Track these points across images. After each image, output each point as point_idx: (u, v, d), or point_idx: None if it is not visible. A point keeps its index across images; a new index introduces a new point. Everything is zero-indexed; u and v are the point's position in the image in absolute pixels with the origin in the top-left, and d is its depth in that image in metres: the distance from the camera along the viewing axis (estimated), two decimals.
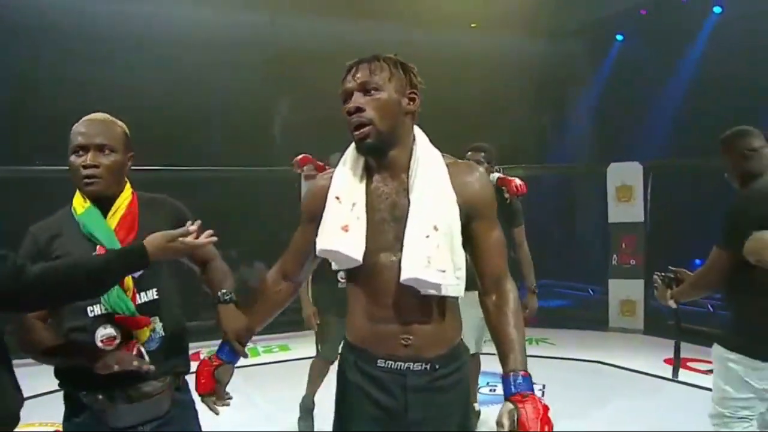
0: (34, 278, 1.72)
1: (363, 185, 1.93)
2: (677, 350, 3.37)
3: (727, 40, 7.63)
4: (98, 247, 2.02)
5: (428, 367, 1.90)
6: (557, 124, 10.38)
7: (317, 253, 1.94)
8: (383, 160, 1.93)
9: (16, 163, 7.14)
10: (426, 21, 8.74)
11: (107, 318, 1.98)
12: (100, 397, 1.98)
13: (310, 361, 4.54)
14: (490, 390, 5.30)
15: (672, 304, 3.11)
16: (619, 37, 9.64)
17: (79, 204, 2.07)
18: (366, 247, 1.88)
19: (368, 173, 1.95)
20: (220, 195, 7.54)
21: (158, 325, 2.07)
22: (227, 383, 2.11)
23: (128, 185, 2.17)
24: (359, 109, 1.88)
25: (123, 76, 7.40)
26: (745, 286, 2.80)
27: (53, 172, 7.28)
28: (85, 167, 2.02)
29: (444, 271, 1.84)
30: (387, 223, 1.90)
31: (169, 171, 6.85)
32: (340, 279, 4.10)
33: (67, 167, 2.08)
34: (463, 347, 2.07)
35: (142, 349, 2.01)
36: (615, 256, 7.89)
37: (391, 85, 1.90)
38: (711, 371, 5.50)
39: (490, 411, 4.92)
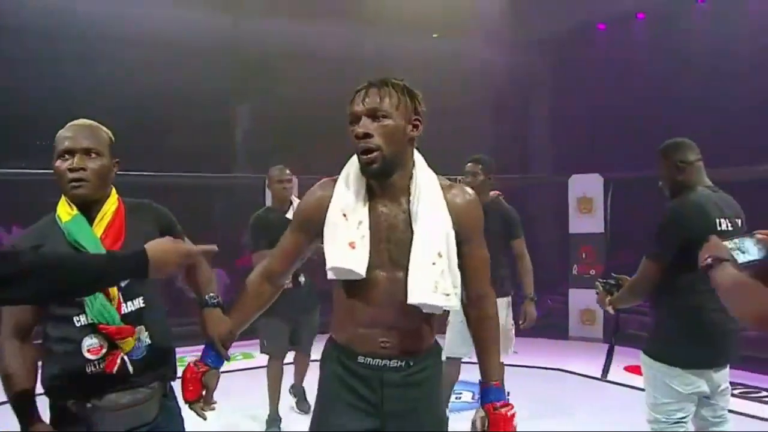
0: (30, 264, 1.69)
1: (367, 205, 2.04)
2: (610, 352, 3.47)
3: (685, 55, 7.82)
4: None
5: (403, 364, 2.05)
6: (519, 135, 10.51)
7: (327, 267, 2.02)
8: (385, 183, 2.04)
9: None
10: (388, 27, 8.82)
11: (93, 328, 1.98)
12: (89, 405, 1.98)
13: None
14: (455, 397, 5.35)
15: (610, 309, 3.23)
16: (579, 50, 9.81)
17: (65, 211, 2.05)
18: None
19: (369, 193, 2.06)
20: (179, 202, 7.46)
21: (144, 334, 2.07)
22: (215, 388, 2.15)
23: (114, 191, 2.17)
24: (367, 135, 1.98)
25: (83, 77, 7.33)
26: (667, 296, 2.93)
27: (22, 175, 7.23)
28: (71, 170, 2.01)
29: (448, 295, 2.00)
30: (384, 243, 2.02)
31: (126, 176, 6.74)
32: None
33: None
34: (436, 349, 2.21)
35: (126, 359, 2.02)
36: (575, 266, 8.03)
37: (399, 113, 2.00)
38: None
39: (453, 417, 4.98)
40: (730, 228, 2.89)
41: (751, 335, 5.81)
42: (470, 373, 5.11)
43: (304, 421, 4.76)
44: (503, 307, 4.71)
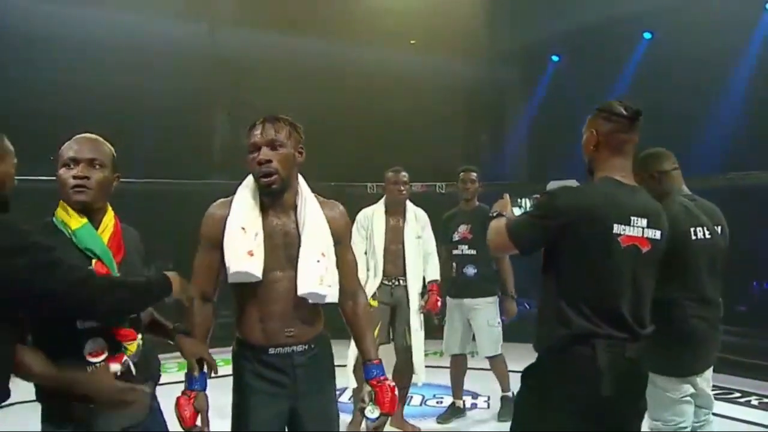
0: (102, 287, 1.90)
1: (260, 218, 2.44)
2: None
3: (656, 64, 7.97)
4: (94, 261, 2.10)
5: (306, 347, 2.47)
6: (495, 143, 10.60)
7: (229, 272, 2.39)
8: (277, 200, 2.46)
9: None
10: (366, 36, 8.88)
11: (96, 331, 2.07)
12: (91, 405, 2.01)
13: None
14: (437, 402, 5.41)
15: None
16: (554, 58, 9.95)
17: (75, 219, 2.12)
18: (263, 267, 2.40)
19: (262, 209, 2.46)
20: (147, 207, 7.41)
21: (140, 339, 2.19)
22: (207, 409, 2.38)
23: (109, 206, 2.25)
24: (268, 161, 2.38)
25: (57, 81, 7.29)
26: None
27: None
28: (75, 177, 2.12)
29: (330, 287, 2.45)
30: (279, 248, 2.44)
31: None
32: None
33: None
34: (325, 334, 2.59)
35: (130, 362, 2.13)
36: None
37: (290, 142, 2.43)
38: None
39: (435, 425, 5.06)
40: (707, 236, 2.92)
41: (727, 340, 5.94)
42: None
43: None
44: (492, 305, 4.90)
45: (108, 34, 7.59)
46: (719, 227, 3.02)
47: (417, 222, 4.88)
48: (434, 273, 4.91)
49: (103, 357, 2.06)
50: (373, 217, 4.74)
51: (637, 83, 8.17)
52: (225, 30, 8.76)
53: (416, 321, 4.76)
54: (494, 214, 2.67)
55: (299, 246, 2.43)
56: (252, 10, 8.55)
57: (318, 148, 8.66)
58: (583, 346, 2.25)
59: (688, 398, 2.97)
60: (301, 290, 2.40)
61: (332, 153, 7.92)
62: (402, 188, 4.77)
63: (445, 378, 5.27)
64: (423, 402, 5.54)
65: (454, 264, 5.10)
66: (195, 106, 8.53)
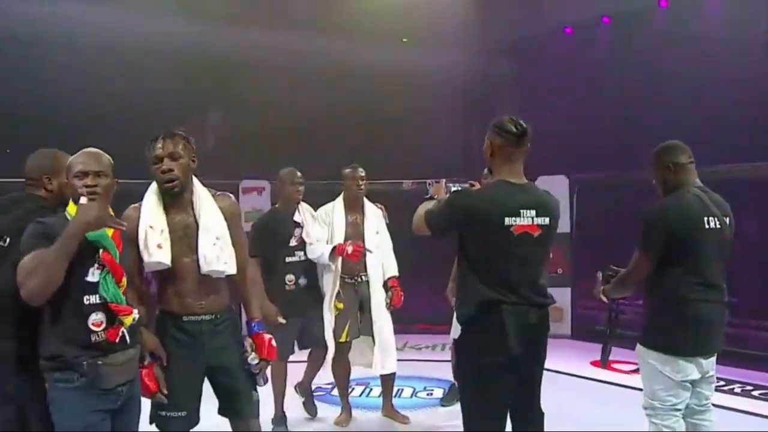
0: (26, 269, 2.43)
1: (164, 216, 3.00)
2: (606, 344, 3.69)
3: (649, 60, 8.02)
4: (101, 251, 2.60)
5: (213, 317, 3.06)
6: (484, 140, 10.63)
7: (145, 263, 2.94)
8: (177, 199, 3.03)
9: None
10: (357, 34, 8.87)
11: (99, 306, 2.56)
12: (100, 362, 2.55)
13: None
14: (427, 394, 5.49)
15: (603, 298, 3.44)
16: (546, 55, 9.99)
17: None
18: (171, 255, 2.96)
19: (165, 208, 3.02)
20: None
21: (135, 314, 2.66)
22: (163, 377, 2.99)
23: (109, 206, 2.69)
24: (171, 170, 2.95)
25: (47, 81, 7.28)
26: (657, 288, 3.19)
27: None
28: (87, 186, 2.61)
29: (227, 263, 3.04)
30: (182, 238, 3.00)
31: None
32: (287, 282, 4.66)
33: None
34: (230, 308, 3.18)
35: (125, 332, 2.61)
36: None
37: (186, 153, 3.00)
38: (634, 371, 5.87)
39: (426, 413, 5.14)
40: (717, 226, 3.13)
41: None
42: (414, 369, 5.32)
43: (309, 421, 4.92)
44: None
45: (100, 33, 7.57)
46: (727, 218, 3.22)
47: (376, 218, 4.98)
48: (393, 269, 5.02)
49: (102, 327, 2.56)
50: (333, 213, 4.83)
51: (629, 79, 8.21)
52: (220, 29, 8.74)
53: (382, 314, 4.86)
54: (427, 197, 3.22)
55: (197, 235, 3.01)
56: (247, 9, 8.56)
57: (312, 146, 8.81)
58: (493, 313, 2.76)
59: (688, 384, 3.15)
60: (204, 269, 3.00)
61: (326, 151, 7.98)
62: (360, 183, 4.86)
63: (434, 371, 5.35)
64: (413, 394, 5.62)
65: None
66: (190, 105, 8.55)
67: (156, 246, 2.94)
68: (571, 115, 8.44)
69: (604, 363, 3.68)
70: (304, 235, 4.76)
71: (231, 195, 3.29)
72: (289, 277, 4.69)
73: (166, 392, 2.93)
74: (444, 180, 3.28)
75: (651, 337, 3.21)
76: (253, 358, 3.15)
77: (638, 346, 3.26)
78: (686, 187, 3.20)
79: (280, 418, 4.76)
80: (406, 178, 8.31)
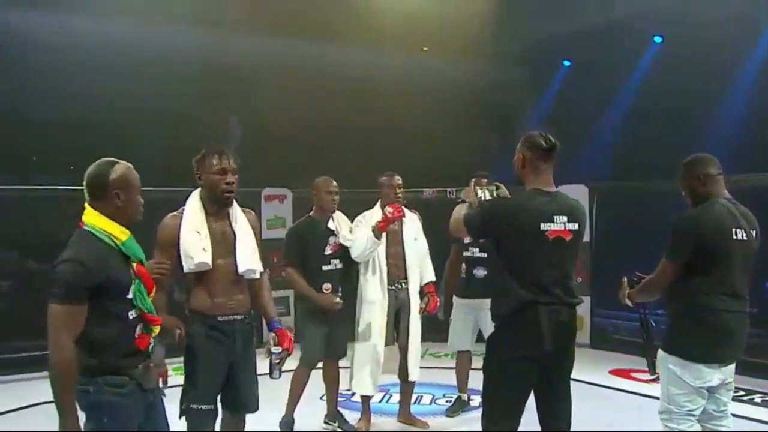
0: None
1: (206, 224, 3.38)
2: (646, 350, 3.75)
3: (667, 68, 8.02)
4: (136, 264, 2.70)
5: (243, 317, 3.44)
6: (505, 147, 10.62)
7: (191, 263, 3.31)
8: (221, 209, 3.45)
9: None
10: (376, 43, 8.95)
11: (139, 318, 2.70)
12: (140, 366, 2.69)
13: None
14: (447, 401, 5.51)
15: (628, 302, 3.51)
16: (565, 63, 10.01)
17: (122, 233, 2.64)
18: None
19: (206, 216, 3.41)
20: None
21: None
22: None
23: None
24: (232, 183, 3.39)
25: (60, 89, 7.37)
26: (679, 295, 3.25)
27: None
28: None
29: (258, 265, 3.49)
30: (219, 243, 3.38)
31: None
32: (324, 290, 4.68)
33: None
34: (250, 310, 3.53)
35: (152, 340, 2.78)
36: None
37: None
38: (653, 380, 5.84)
39: (445, 419, 5.17)
40: (744, 238, 3.20)
41: None
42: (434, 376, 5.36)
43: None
44: None
45: (115, 43, 7.66)
46: (754, 231, 3.28)
47: (413, 223, 5.00)
48: (430, 275, 5.05)
49: (140, 335, 2.70)
50: (372, 221, 4.76)
51: (648, 86, 8.21)
52: (241, 38, 8.82)
53: (416, 322, 4.90)
54: (460, 201, 3.42)
55: (235, 241, 3.42)
56: (259, 16, 8.61)
57: (333, 154, 8.84)
58: (528, 311, 2.94)
59: (705, 390, 3.21)
60: (241, 269, 3.40)
61: (341, 159, 8.04)
62: (398, 191, 4.87)
63: (453, 378, 5.39)
64: (433, 401, 5.65)
65: (464, 265, 5.22)
66: (203, 112, 8.63)
67: (201, 249, 3.33)
68: (589, 123, 8.46)
69: (653, 372, 3.69)
70: (341, 240, 4.77)
71: (252, 211, 3.74)
72: (326, 286, 4.70)
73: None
74: (473, 182, 3.54)
75: (672, 343, 3.27)
76: (276, 349, 3.52)
77: (659, 351, 3.32)
78: (715, 197, 3.25)
79: (287, 422, 4.80)
80: (427, 186, 8.35)
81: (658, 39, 8.67)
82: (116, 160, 2.69)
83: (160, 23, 8.05)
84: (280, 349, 3.52)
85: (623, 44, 8.77)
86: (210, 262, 3.31)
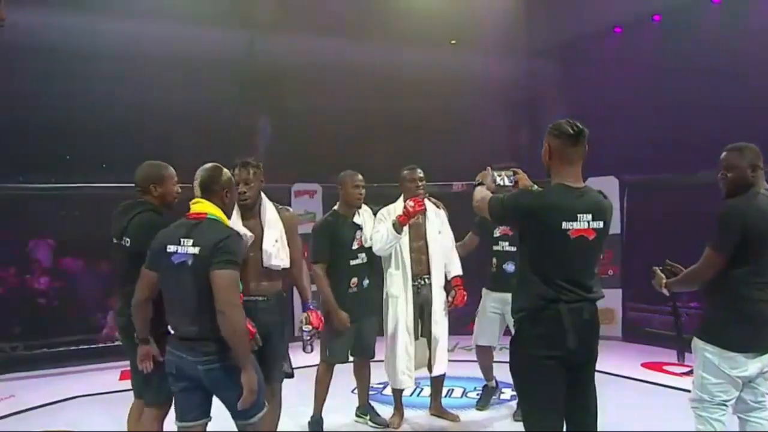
0: None
1: (240, 221, 3.84)
2: (678, 338, 3.75)
3: (701, 59, 7.91)
4: None
5: (266, 298, 3.85)
6: (535, 141, 10.58)
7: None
8: (249, 210, 3.93)
9: None
10: (404, 39, 8.95)
11: None
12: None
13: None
14: (477, 394, 5.53)
15: (665, 291, 3.50)
16: (594, 55, 9.92)
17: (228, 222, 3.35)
18: None
19: (241, 215, 3.90)
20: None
21: None
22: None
23: None
24: (244, 192, 3.83)
25: (97, 92, 7.48)
26: (718, 285, 3.23)
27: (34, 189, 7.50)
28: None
29: (283, 259, 3.91)
30: (251, 238, 3.79)
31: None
32: (351, 285, 4.70)
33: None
34: (281, 293, 4.02)
35: None
36: None
37: (255, 178, 3.90)
38: (686, 374, 5.84)
39: (476, 412, 5.20)
40: None
41: None
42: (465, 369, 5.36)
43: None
44: None
45: (150, 46, 7.76)
46: None
47: (437, 218, 4.99)
48: (457, 268, 5.04)
49: None
50: (394, 215, 4.74)
51: (680, 79, 8.11)
52: (270, 37, 8.89)
53: (439, 315, 4.89)
54: (476, 183, 3.40)
55: (262, 236, 3.86)
56: (296, 16, 8.70)
57: (362, 149, 8.89)
58: (549, 309, 2.88)
59: (739, 380, 3.22)
60: (265, 262, 3.84)
61: (373, 154, 8.07)
62: (419, 185, 4.85)
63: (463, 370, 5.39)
64: (464, 394, 5.67)
65: (494, 259, 5.15)
66: (238, 112, 8.73)
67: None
68: (620, 116, 8.39)
69: (681, 359, 3.71)
70: (363, 239, 4.78)
71: (290, 209, 4.24)
72: (354, 280, 4.72)
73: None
74: (489, 167, 3.43)
75: (710, 332, 3.27)
76: (306, 327, 4.05)
77: (695, 340, 3.32)
78: (757, 188, 3.25)
79: (317, 421, 4.81)
80: (456, 180, 8.35)
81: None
82: (221, 165, 3.33)
83: (200, 25, 8.16)
84: (310, 327, 4.02)
85: (655, 34, 8.68)
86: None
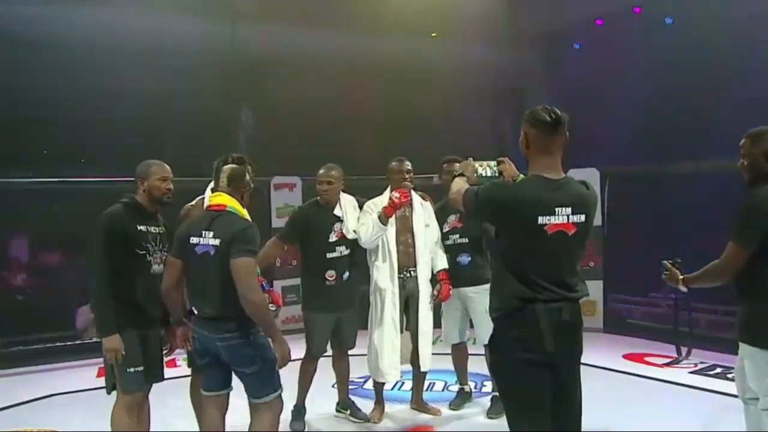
0: None
1: None
2: (675, 335, 3.65)
3: (681, 51, 7.93)
4: None
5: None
6: (517, 131, 10.59)
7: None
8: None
9: None
10: (387, 30, 8.93)
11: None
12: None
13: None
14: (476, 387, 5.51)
15: (683, 288, 3.38)
16: (576, 46, 9.93)
17: (246, 214, 3.56)
18: None
19: None
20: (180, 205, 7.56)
21: None
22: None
23: None
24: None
25: (79, 85, 7.37)
26: (751, 285, 3.08)
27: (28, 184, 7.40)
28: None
29: None
30: None
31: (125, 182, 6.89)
32: (327, 277, 4.67)
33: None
34: None
35: None
36: None
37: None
38: (667, 365, 5.86)
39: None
40: None
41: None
42: (471, 364, 5.36)
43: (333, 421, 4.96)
44: (488, 292, 4.95)
45: (130, 36, 7.68)
46: None
47: (424, 210, 4.96)
48: (443, 262, 4.98)
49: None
50: (380, 207, 4.70)
51: (659, 69, 8.13)
52: (249, 29, 8.84)
53: (425, 309, 4.87)
54: (457, 173, 3.14)
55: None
56: (275, 8, 8.62)
57: (343, 142, 8.84)
58: (527, 310, 2.66)
59: None
60: None
61: (356, 147, 8.02)
62: (407, 177, 4.82)
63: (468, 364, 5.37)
64: (445, 387, 5.66)
65: (447, 254, 5.06)
66: (219, 104, 8.65)
67: None
68: (602, 107, 8.40)
69: (680, 357, 3.60)
70: (344, 231, 4.74)
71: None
72: (330, 273, 4.69)
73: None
74: (471, 158, 3.20)
75: (754, 334, 3.08)
76: (272, 306, 3.84)
77: (742, 346, 3.16)
78: None
79: (299, 409, 4.80)
80: (438, 172, 8.32)
81: (669, 20, 8.57)
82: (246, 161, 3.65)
83: (177, 15, 8.07)
84: (274, 307, 3.93)
85: (634, 27, 8.69)
86: None
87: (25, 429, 4.89)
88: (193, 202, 4.14)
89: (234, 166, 3.58)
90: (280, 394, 3.52)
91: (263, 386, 3.45)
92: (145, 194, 3.78)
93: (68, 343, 7.17)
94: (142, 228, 3.70)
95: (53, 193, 7.52)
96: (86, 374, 6.12)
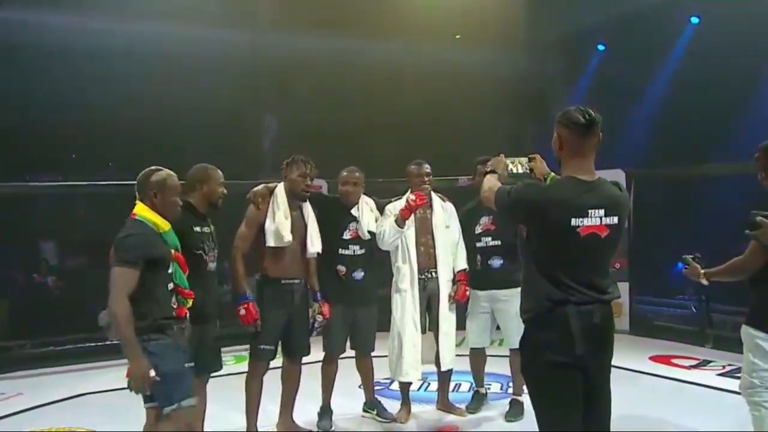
0: None
1: (290, 211, 4.41)
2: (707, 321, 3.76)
3: (704, 49, 7.88)
4: (174, 252, 3.40)
5: (299, 282, 4.48)
6: (540, 134, 10.58)
7: (284, 242, 4.34)
8: (297, 202, 4.48)
9: None
10: (408, 34, 8.98)
11: (174, 290, 3.41)
12: (183, 326, 3.47)
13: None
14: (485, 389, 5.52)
15: (704, 281, 3.53)
16: (600, 47, 9.89)
17: (164, 224, 3.36)
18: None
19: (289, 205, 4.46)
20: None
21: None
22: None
23: None
24: (309, 186, 4.47)
25: (108, 93, 7.54)
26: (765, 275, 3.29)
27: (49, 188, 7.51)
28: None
29: (318, 248, 4.50)
30: (297, 228, 4.41)
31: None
32: (338, 271, 4.72)
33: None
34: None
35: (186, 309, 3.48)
36: None
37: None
38: (694, 367, 5.81)
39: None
40: None
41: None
42: (498, 366, 5.37)
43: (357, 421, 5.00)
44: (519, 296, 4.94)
45: (158, 46, 7.81)
46: None
47: (444, 212, 4.97)
48: (463, 263, 4.99)
49: (175, 306, 3.39)
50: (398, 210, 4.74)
51: (685, 70, 8.08)
52: (273, 34, 8.92)
53: (446, 309, 4.88)
54: (488, 170, 3.11)
55: (305, 228, 4.46)
56: (298, 12, 8.69)
57: (367, 144, 8.89)
58: (558, 312, 2.65)
59: None
60: (310, 251, 4.46)
61: (379, 149, 8.06)
62: (425, 180, 4.84)
63: (491, 366, 5.36)
64: (471, 388, 5.63)
65: (478, 256, 5.05)
66: (242, 109, 8.73)
67: (289, 231, 4.31)
68: (627, 108, 8.37)
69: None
70: (359, 232, 4.75)
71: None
72: (341, 268, 4.70)
73: (260, 322, 4.22)
74: (502, 154, 3.21)
75: (761, 318, 3.33)
76: (318, 317, 4.55)
77: (744, 327, 3.40)
78: None
79: (325, 411, 4.85)
80: (462, 174, 8.33)
81: (695, 20, 8.51)
82: (160, 168, 3.41)
83: (201, 24, 8.20)
84: (321, 318, 4.53)
85: (660, 26, 8.64)
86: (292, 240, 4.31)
87: (57, 428, 4.98)
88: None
89: (140, 174, 3.40)
90: (178, 408, 3.28)
91: (158, 396, 3.29)
92: (202, 197, 3.93)
93: (99, 343, 7.27)
94: (197, 229, 3.83)
95: (82, 197, 7.64)
96: (118, 374, 6.16)
